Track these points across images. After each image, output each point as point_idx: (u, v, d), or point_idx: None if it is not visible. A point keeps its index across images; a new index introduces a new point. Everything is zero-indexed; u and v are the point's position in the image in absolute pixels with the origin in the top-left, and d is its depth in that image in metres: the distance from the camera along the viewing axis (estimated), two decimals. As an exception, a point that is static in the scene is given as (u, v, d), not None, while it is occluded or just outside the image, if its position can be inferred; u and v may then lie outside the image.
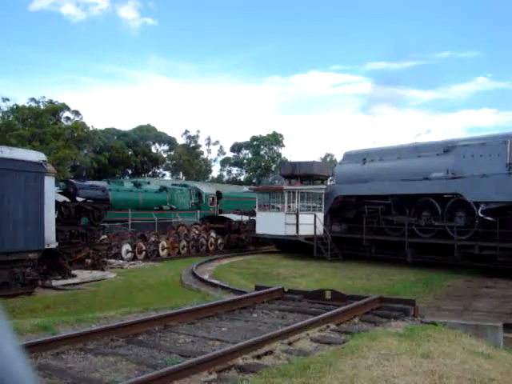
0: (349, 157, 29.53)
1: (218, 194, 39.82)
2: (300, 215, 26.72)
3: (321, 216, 27.41)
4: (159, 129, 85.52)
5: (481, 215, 22.17)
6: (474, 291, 17.07)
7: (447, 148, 23.37)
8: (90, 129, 67.11)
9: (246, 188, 51.26)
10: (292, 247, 28.44)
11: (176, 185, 41.15)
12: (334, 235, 26.99)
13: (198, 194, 38.30)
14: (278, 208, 28.18)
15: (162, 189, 35.70)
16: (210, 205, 38.50)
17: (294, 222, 26.71)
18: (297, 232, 26.65)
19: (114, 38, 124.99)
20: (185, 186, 40.07)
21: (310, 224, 26.34)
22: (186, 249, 28.88)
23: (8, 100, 61.10)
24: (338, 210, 28.92)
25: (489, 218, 22.28)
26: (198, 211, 36.68)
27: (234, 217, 32.30)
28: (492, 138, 22.22)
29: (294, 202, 27.40)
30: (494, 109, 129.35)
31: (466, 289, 17.72)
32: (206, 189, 41.15)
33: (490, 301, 15.16)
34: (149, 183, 37.57)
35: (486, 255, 21.18)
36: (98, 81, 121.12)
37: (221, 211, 38.44)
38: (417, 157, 24.90)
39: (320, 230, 26.75)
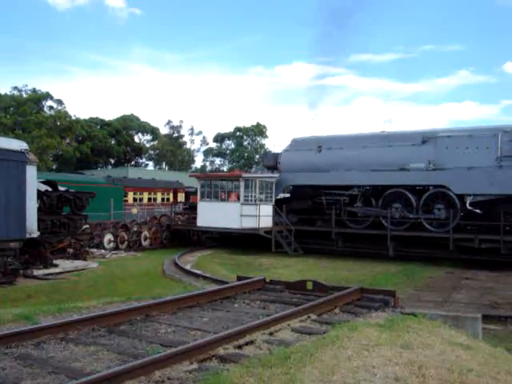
0: (298, 144, 27.32)
1: None
2: (260, 206, 24.63)
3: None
4: (142, 118, 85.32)
5: (469, 208, 22.22)
6: (455, 283, 17.26)
7: (425, 138, 22.67)
8: (73, 118, 66.64)
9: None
10: (236, 241, 26.50)
11: None
12: (289, 227, 25.06)
13: None
14: (225, 198, 25.89)
15: None
16: None
17: (253, 213, 24.22)
18: (258, 224, 24.25)
19: (100, 27, 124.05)
20: None
21: (268, 216, 24.76)
22: (168, 239, 28.83)
23: (-11, 88, 60.46)
24: (287, 201, 27.24)
25: (477, 211, 22.39)
26: None
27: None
28: (479, 130, 21.75)
29: (253, 192, 25.11)
30: (476, 102, 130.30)
31: (447, 280, 17.90)
32: None
33: (469, 292, 15.35)
34: None
35: (484, 248, 20.73)
36: (82, 70, 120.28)
37: None
38: (388, 146, 23.71)
39: (278, 222, 25.13)
